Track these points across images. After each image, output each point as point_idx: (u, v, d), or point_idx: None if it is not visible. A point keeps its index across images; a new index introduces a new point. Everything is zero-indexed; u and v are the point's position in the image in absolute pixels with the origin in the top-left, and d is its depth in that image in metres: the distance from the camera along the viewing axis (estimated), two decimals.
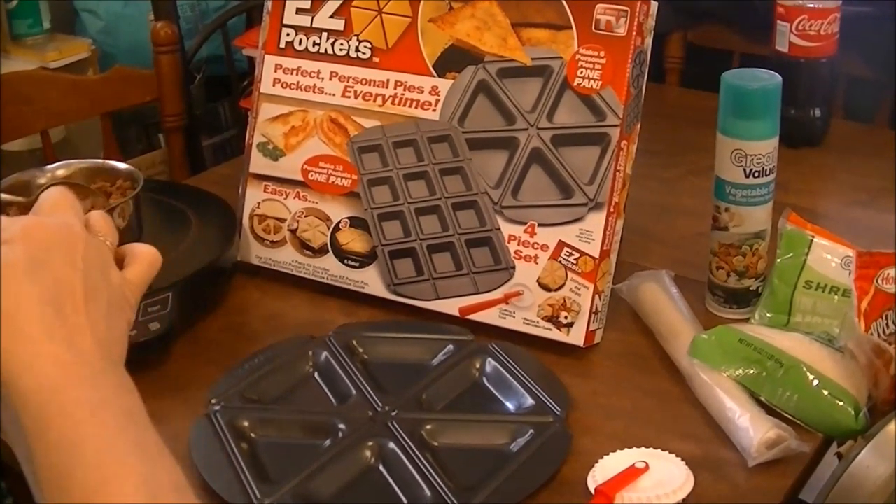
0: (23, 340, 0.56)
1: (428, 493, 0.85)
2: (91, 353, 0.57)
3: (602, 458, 0.88)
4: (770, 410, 0.93)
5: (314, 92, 1.16)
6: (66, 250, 0.62)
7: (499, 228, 1.07)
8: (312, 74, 1.16)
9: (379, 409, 0.94)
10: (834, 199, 1.43)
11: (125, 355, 0.61)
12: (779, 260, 1.08)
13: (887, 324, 0.96)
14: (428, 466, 0.87)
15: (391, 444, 0.90)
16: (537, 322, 1.05)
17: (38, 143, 1.68)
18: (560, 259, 1.04)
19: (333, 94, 1.15)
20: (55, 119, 1.69)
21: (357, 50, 1.15)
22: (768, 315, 1.07)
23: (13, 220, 0.63)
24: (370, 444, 0.90)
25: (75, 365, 0.56)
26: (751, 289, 1.09)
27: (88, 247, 0.63)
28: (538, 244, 1.05)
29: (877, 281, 0.97)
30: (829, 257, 1.06)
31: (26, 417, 0.54)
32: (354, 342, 1.04)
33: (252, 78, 1.23)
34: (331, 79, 1.16)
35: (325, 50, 1.16)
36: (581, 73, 1.05)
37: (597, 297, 1.03)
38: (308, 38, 1.17)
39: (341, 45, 1.15)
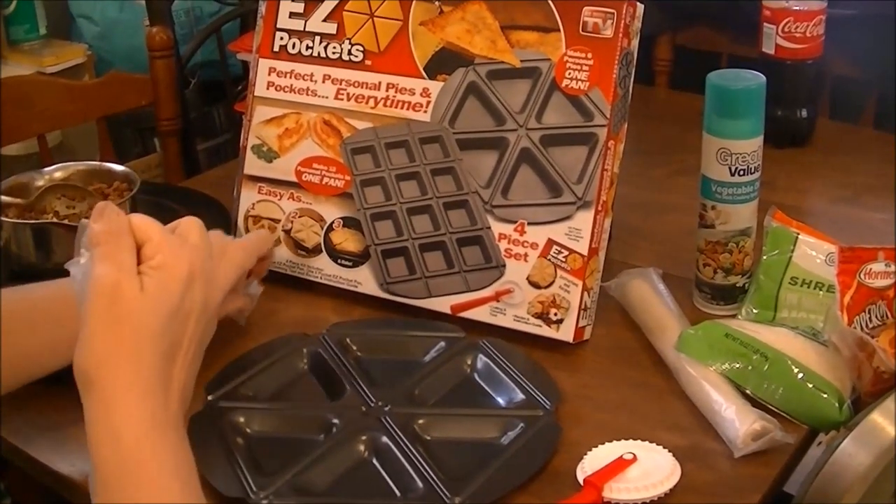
0: (123, 400, 0.57)
1: (420, 485, 0.86)
2: (175, 411, 0.59)
3: (591, 449, 0.90)
4: (756, 403, 0.94)
5: (307, 94, 1.18)
6: (202, 295, 0.62)
7: (489, 227, 1.09)
8: (306, 77, 1.18)
9: (372, 404, 0.96)
10: (820, 196, 1.45)
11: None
12: (765, 257, 1.09)
13: (870, 317, 0.98)
14: (420, 459, 0.89)
15: (384, 438, 0.91)
16: (527, 319, 1.07)
17: (34, 147, 1.69)
18: (549, 257, 1.06)
19: (326, 97, 1.17)
20: (51, 123, 1.71)
21: (349, 53, 1.16)
22: (754, 311, 1.09)
23: (172, 239, 0.63)
24: (363, 437, 0.92)
25: (159, 429, 0.58)
26: (737, 285, 1.11)
27: (211, 284, 0.64)
28: (528, 242, 1.07)
29: (859, 275, 0.99)
30: (814, 254, 1.08)
31: (98, 474, 0.56)
32: (348, 339, 1.06)
33: (246, 82, 1.25)
34: (324, 81, 1.17)
35: (318, 53, 1.18)
36: (569, 74, 1.06)
37: (585, 293, 1.05)
38: (301, 42, 1.19)
39: (334, 48, 1.17)
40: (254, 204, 1.20)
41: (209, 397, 0.97)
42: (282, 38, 1.20)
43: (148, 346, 0.59)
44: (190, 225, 0.67)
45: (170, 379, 0.59)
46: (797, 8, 1.46)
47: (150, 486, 0.58)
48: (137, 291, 0.60)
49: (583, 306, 1.05)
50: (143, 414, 0.58)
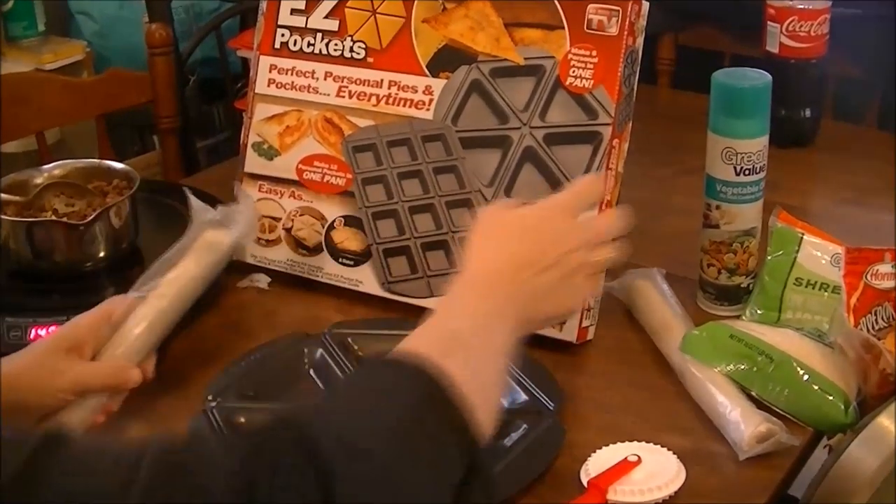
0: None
1: None
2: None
3: (595, 451, 0.89)
4: (761, 405, 0.94)
5: (309, 92, 1.17)
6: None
7: None
8: (307, 74, 1.17)
9: None
10: (823, 197, 1.45)
11: None
12: (769, 257, 1.09)
13: (876, 319, 0.98)
14: None
15: None
16: None
17: (33, 144, 1.68)
18: None
19: (328, 94, 1.16)
20: (50, 121, 1.70)
21: (351, 50, 1.16)
22: (759, 312, 1.08)
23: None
24: None
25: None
26: (741, 286, 1.10)
27: None
28: None
29: (865, 277, 0.98)
30: (819, 255, 1.07)
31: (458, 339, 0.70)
32: (349, 339, 1.05)
33: (247, 79, 1.24)
34: (325, 79, 1.17)
35: (320, 50, 1.17)
36: (573, 72, 1.06)
37: None
38: (303, 39, 1.18)
39: (336, 45, 1.17)
40: (254, 202, 1.19)
41: (210, 397, 0.96)
42: (283, 35, 1.19)
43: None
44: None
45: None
46: (802, 7, 1.45)
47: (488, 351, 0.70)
48: None
49: (586, 307, 1.04)
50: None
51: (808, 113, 1.52)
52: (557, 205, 0.81)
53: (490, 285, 0.75)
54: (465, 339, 0.70)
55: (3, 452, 0.52)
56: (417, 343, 0.68)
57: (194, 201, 1.02)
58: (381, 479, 0.57)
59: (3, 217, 1.11)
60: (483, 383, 0.68)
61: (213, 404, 0.95)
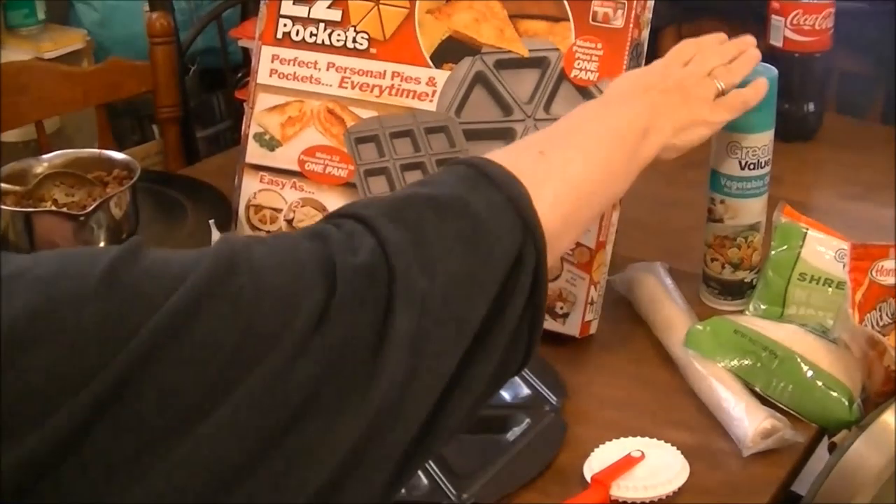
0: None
1: (425, 481, 0.85)
2: None
3: (598, 447, 0.89)
4: (764, 401, 0.93)
5: (311, 82, 1.16)
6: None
7: None
8: (309, 65, 1.17)
9: None
10: (826, 192, 1.44)
11: None
12: (773, 252, 1.08)
13: (881, 315, 0.97)
14: None
15: None
16: None
17: (32, 133, 1.68)
18: None
19: (330, 85, 1.15)
20: (50, 110, 1.69)
21: (354, 41, 1.15)
22: (762, 307, 1.07)
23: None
24: None
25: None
26: (745, 281, 1.09)
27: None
28: None
29: (871, 273, 0.97)
30: (823, 250, 1.07)
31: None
32: None
33: (247, 69, 1.23)
34: (328, 69, 1.16)
35: (323, 40, 1.16)
36: (578, 64, 1.05)
37: (592, 287, 1.04)
38: (305, 29, 1.17)
39: (338, 35, 1.16)
40: (255, 193, 1.19)
41: None
42: (285, 25, 1.18)
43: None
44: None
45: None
46: (806, 0, 1.44)
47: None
48: None
49: (589, 300, 1.04)
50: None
51: (811, 107, 1.51)
52: (660, 61, 0.97)
53: (606, 109, 0.87)
54: (541, 142, 0.78)
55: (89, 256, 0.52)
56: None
57: (215, 232, 1.10)
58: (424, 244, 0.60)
59: (2, 207, 1.10)
60: (562, 176, 0.73)
61: None
